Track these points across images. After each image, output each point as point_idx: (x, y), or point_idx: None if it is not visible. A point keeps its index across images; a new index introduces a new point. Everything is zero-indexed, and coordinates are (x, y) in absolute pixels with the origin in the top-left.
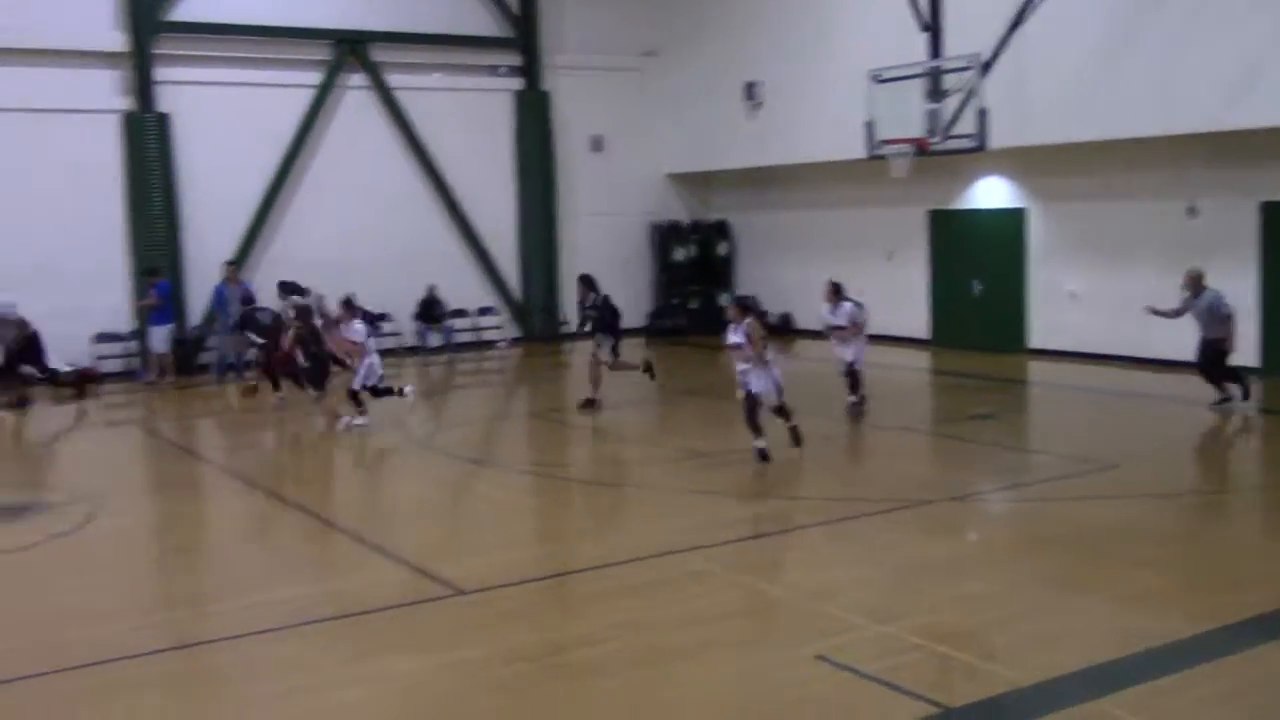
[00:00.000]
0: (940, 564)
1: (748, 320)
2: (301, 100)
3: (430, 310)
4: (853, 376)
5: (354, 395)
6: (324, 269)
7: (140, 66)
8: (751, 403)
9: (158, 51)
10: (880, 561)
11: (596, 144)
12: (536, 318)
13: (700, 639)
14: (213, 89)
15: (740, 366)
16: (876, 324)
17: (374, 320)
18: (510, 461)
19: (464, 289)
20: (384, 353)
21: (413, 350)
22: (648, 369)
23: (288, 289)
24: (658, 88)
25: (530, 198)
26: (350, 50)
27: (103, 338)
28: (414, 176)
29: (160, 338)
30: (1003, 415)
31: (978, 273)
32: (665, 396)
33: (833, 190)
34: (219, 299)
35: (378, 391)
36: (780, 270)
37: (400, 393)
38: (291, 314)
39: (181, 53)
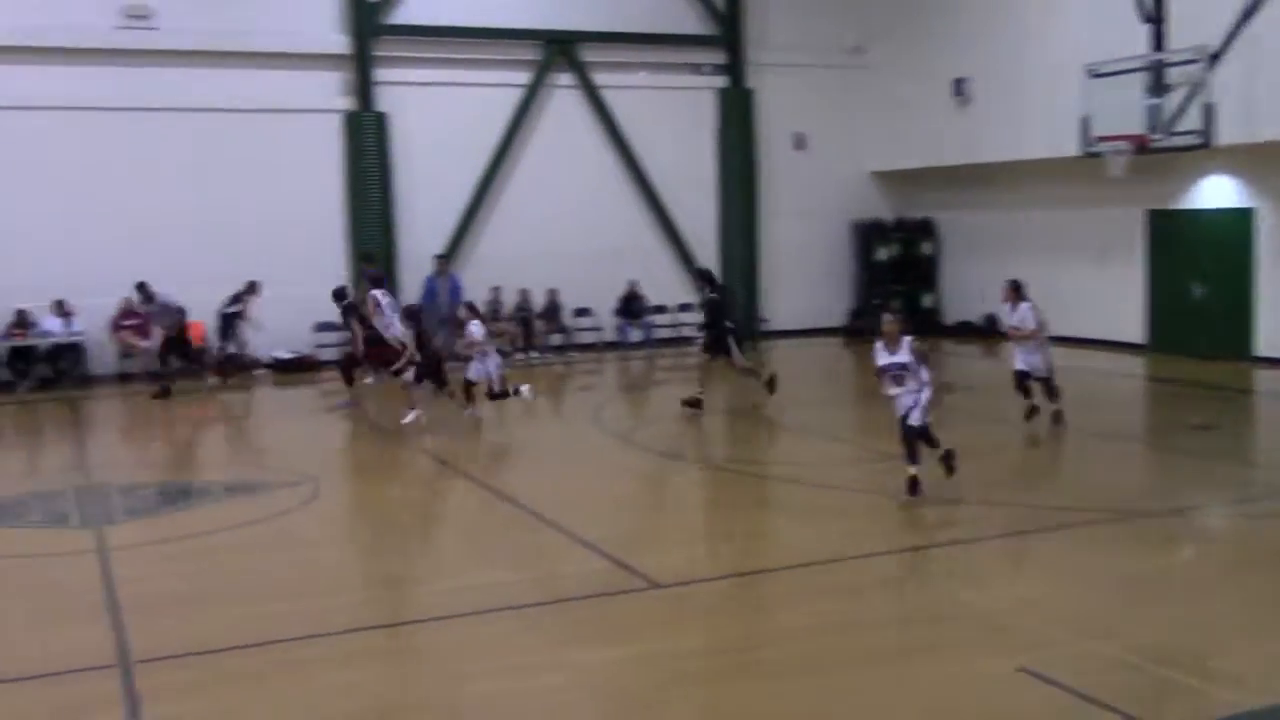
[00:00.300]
0: (1152, 579)
1: (909, 339)
2: (511, 99)
3: (631, 306)
4: (1024, 385)
5: (468, 387)
6: (528, 264)
7: (361, 68)
8: (911, 426)
9: (377, 54)
10: (1086, 574)
11: (799, 141)
12: (736, 315)
13: (896, 643)
14: (428, 89)
15: (892, 391)
16: (1087, 327)
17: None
18: (707, 457)
19: (664, 285)
20: (584, 347)
21: (612, 345)
22: (770, 384)
23: (376, 282)
24: (863, 84)
25: (731, 195)
26: (559, 50)
27: (321, 327)
28: (617, 174)
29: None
30: (1224, 426)
31: (1199, 275)
32: (863, 398)
33: (1044, 188)
34: (429, 291)
35: (494, 395)
36: (986, 270)
37: (516, 393)
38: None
39: (399, 54)
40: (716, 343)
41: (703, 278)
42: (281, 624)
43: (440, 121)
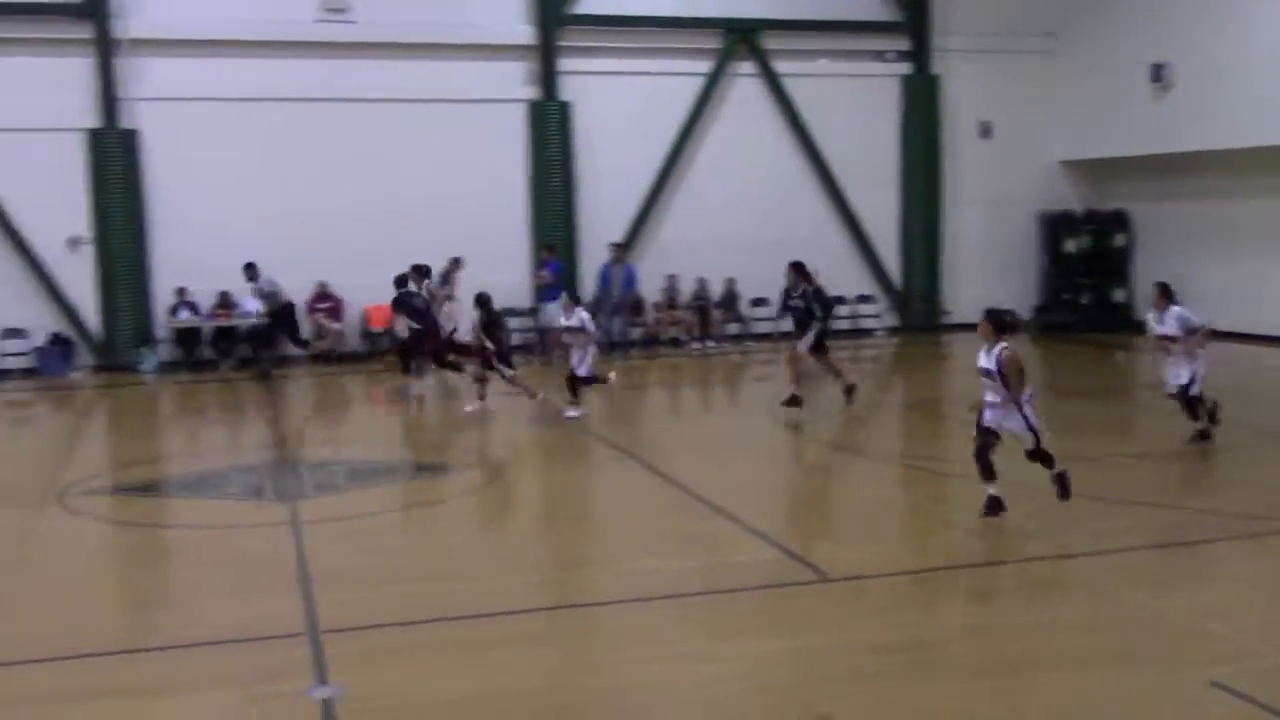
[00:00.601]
0: None
1: (1002, 345)
2: (692, 88)
3: None
4: (1188, 402)
5: (572, 382)
6: (706, 252)
7: (545, 58)
8: (985, 439)
9: (561, 44)
10: (1277, 584)
11: (985, 130)
12: (916, 307)
13: (1079, 650)
14: (610, 78)
15: (988, 398)
16: None
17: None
18: (883, 452)
19: (843, 276)
20: (760, 337)
21: (788, 335)
22: (849, 391)
23: (421, 272)
24: (1054, 70)
25: (914, 184)
26: (741, 38)
27: (504, 313)
28: (797, 163)
29: (552, 314)
30: None
31: None
32: (1052, 396)
33: (1251, 178)
34: (604, 279)
35: (586, 380)
36: (1186, 265)
37: (605, 380)
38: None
39: (583, 44)
40: (807, 337)
41: (797, 271)
42: (458, 601)
43: (621, 110)
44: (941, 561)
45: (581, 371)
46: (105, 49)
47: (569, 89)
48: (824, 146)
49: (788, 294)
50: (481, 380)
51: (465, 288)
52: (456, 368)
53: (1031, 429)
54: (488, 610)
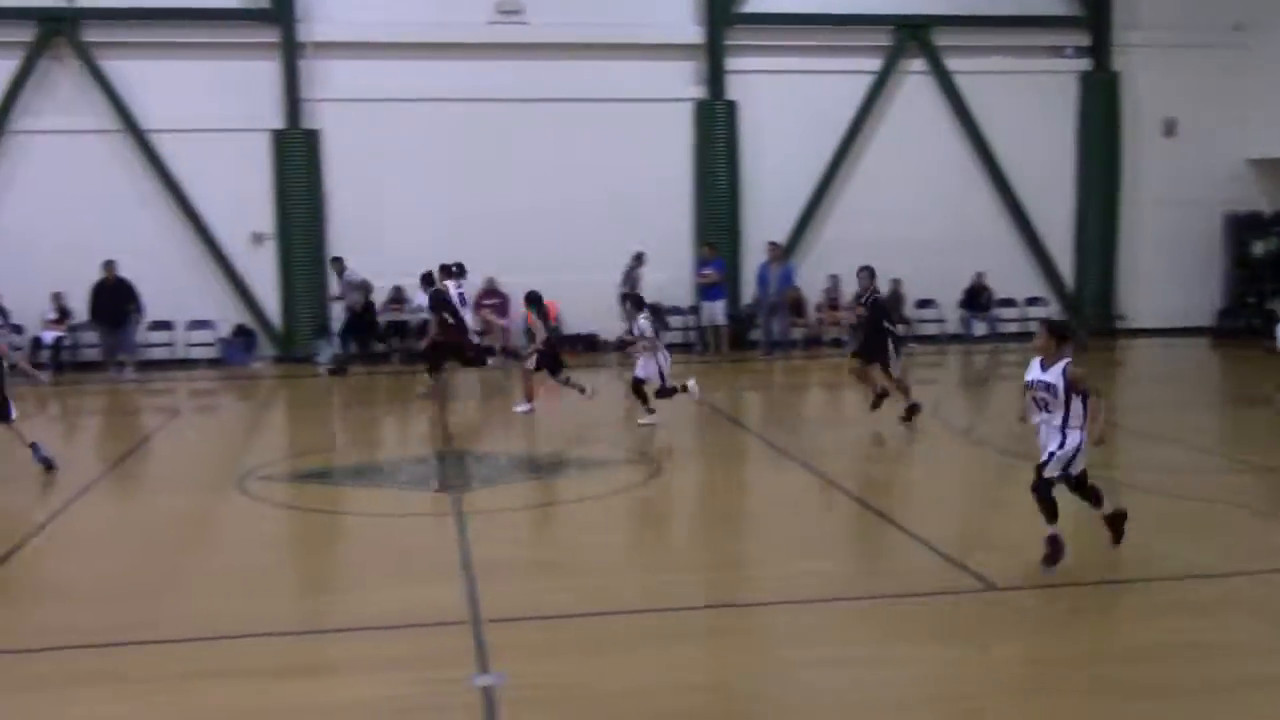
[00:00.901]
0: None
1: (1066, 360)
2: (860, 86)
3: (976, 298)
4: None
5: (637, 389)
6: (871, 253)
7: (713, 57)
8: (1046, 479)
9: (729, 43)
10: None
11: (1169, 127)
12: (1090, 310)
13: (1264, 674)
14: (777, 77)
15: (1038, 417)
16: None
17: (662, 316)
18: None
19: (1013, 277)
20: (926, 339)
21: (955, 338)
22: (911, 412)
23: (450, 271)
24: (1243, 65)
25: (1091, 184)
26: (911, 35)
27: (666, 312)
28: (968, 162)
29: (715, 312)
30: None
31: None
32: (1229, 404)
33: None
34: (761, 278)
35: (662, 392)
36: None
37: (684, 389)
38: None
39: (750, 43)
40: (873, 346)
41: (871, 274)
42: (619, 596)
43: (788, 109)
44: (1112, 574)
45: (639, 372)
46: (290, 52)
47: (736, 88)
48: (996, 145)
49: (859, 300)
50: (570, 384)
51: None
52: (480, 363)
53: (1072, 453)
54: (648, 606)
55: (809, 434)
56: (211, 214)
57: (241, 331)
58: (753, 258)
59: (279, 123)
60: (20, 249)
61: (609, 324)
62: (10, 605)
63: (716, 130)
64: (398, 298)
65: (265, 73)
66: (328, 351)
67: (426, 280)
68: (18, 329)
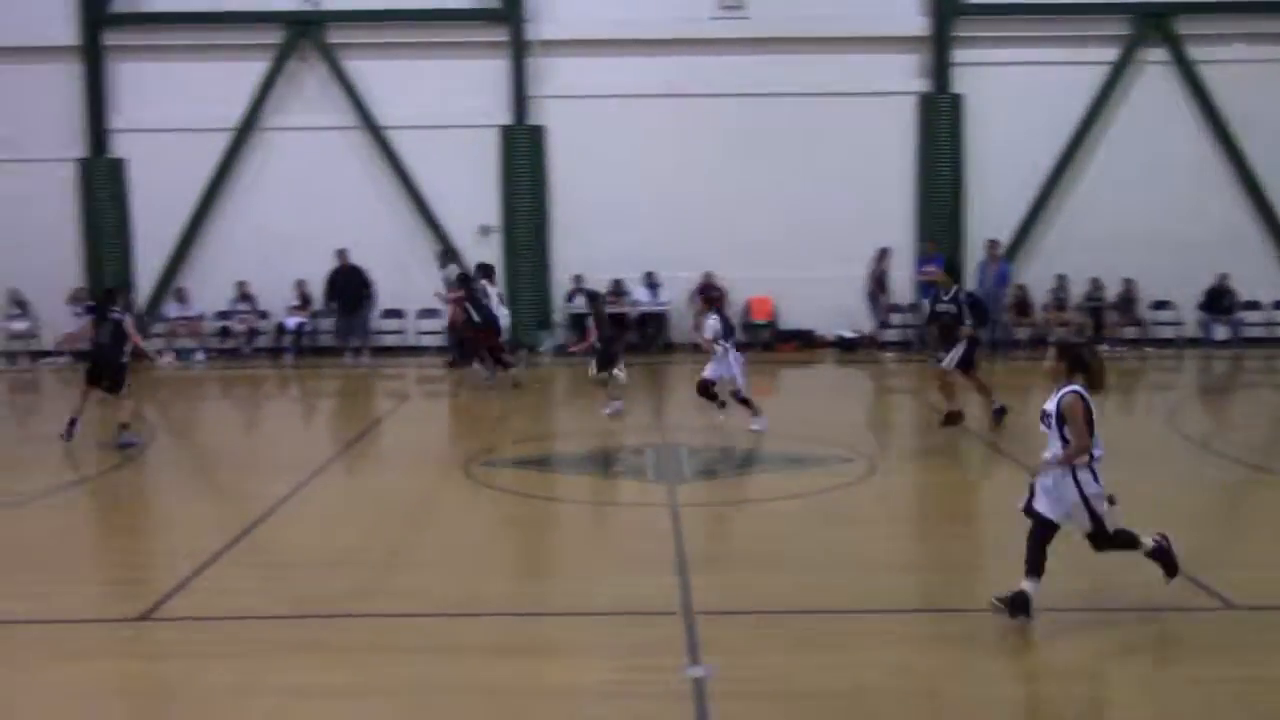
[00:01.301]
0: None
1: (1072, 387)
2: (1094, 78)
3: (1218, 300)
4: None
5: (743, 401)
6: (1102, 251)
7: (939, 49)
8: (1036, 524)
9: (956, 34)
10: None
11: None
12: None
13: None
14: (1005, 69)
15: (1046, 455)
16: None
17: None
18: None
19: (1260, 279)
20: (1161, 343)
21: (1194, 342)
22: (999, 415)
23: (486, 271)
24: None
25: None
26: (1152, 24)
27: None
28: (1210, 157)
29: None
30: None
31: None
32: None
33: None
34: (980, 277)
35: (742, 400)
36: None
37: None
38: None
39: (977, 34)
40: (955, 350)
41: (952, 272)
42: (832, 594)
43: (1016, 102)
44: None
45: (708, 374)
46: (519, 51)
47: (962, 80)
48: (1244, 140)
49: (937, 296)
50: (602, 383)
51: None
52: (506, 364)
53: (1088, 508)
54: (861, 606)
55: (1031, 437)
56: (441, 207)
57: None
58: (976, 255)
59: (506, 119)
60: (267, 239)
61: (825, 320)
62: (253, 572)
63: (940, 124)
64: (616, 291)
65: (494, 71)
66: (549, 342)
67: (463, 280)
68: (263, 315)
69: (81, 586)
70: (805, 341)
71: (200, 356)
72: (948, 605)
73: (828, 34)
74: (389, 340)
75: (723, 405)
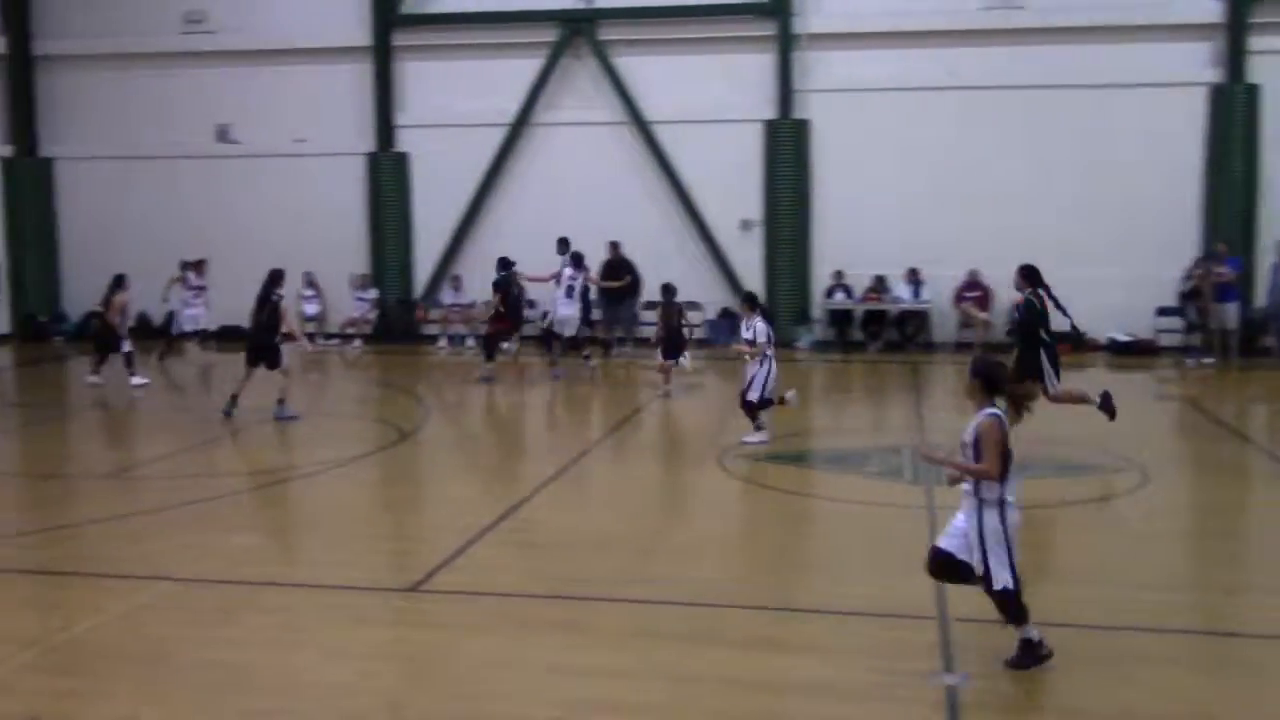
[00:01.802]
0: None
1: (986, 412)
2: None
3: None
4: None
5: (749, 408)
6: None
7: (1233, 36)
8: (936, 561)
9: (1253, 20)
10: None
11: None
12: None
13: None
14: None
15: (964, 486)
16: None
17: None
18: None
19: None
20: None
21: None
22: (1106, 406)
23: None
24: None
25: None
26: None
27: (1163, 311)
28: None
29: (1227, 315)
30: None
31: None
32: None
33: None
34: (1273, 282)
35: (762, 403)
36: None
37: (783, 401)
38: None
39: (1277, 20)
40: (1027, 361)
41: (1027, 277)
42: (1099, 609)
43: None
44: None
45: (752, 395)
46: (785, 44)
47: (1259, 70)
48: None
49: (1016, 305)
50: (665, 371)
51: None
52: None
53: (984, 555)
54: (1131, 623)
55: None
56: (704, 200)
57: (727, 314)
58: (1268, 258)
59: (771, 113)
60: (537, 232)
61: (1098, 323)
62: (515, 550)
63: (1234, 116)
64: (877, 287)
65: (760, 65)
66: (808, 338)
67: (504, 265)
68: (530, 303)
69: (360, 556)
70: (1076, 343)
71: (470, 343)
72: (1222, 628)
73: (1111, 22)
74: (649, 331)
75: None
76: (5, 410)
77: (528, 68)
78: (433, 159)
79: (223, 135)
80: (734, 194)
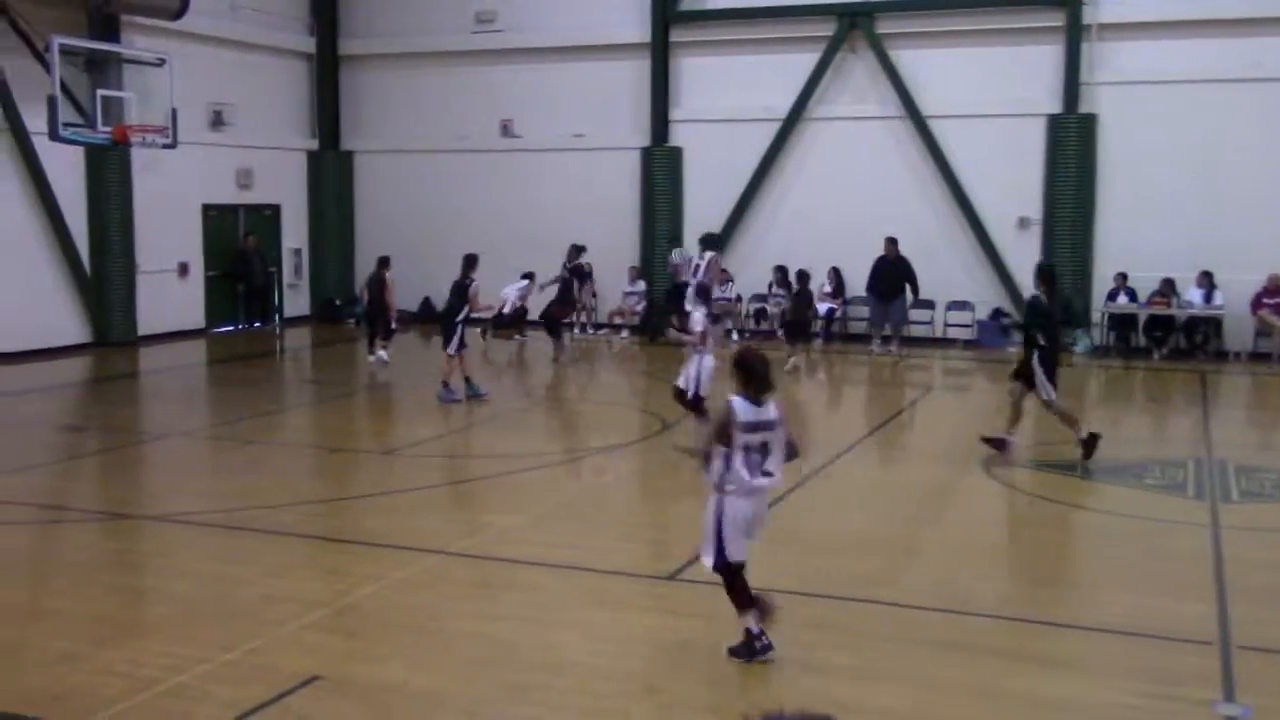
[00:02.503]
0: None
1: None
2: None
3: None
4: None
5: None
6: None
7: None
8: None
9: None
10: None
11: None
12: None
13: None
14: None
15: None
16: None
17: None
18: None
19: None
20: None
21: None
22: (1089, 444)
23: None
24: None
25: None
26: None
27: None
28: None
29: None
30: None
31: None
32: None
33: None
34: None
35: (693, 400)
36: None
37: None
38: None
39: None
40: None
41: (1044, 279)
42: None
43: None
44: None
45: (680, 382)
46: (1074, 35)
47: None
48: None
49: (1032, 306)
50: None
51: None
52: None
53: (717, 538)
54: None
55: None
56: (980, 198)
57: (998, 314)
58: None
59: (1055, 107)
60: (805, 226)
61: None
62: (767, 547)
63: None
64: (1165, 291)
65: (1045, 57)
66: (1084, 342)
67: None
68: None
69: (619, 542)
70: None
71: (734, 336)
72: None
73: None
74: (917, 330)
75: None
76: (302, 387)
77: (802, 62)
78: (704, 153)
79: (506, 130)
80: (1012, 191)
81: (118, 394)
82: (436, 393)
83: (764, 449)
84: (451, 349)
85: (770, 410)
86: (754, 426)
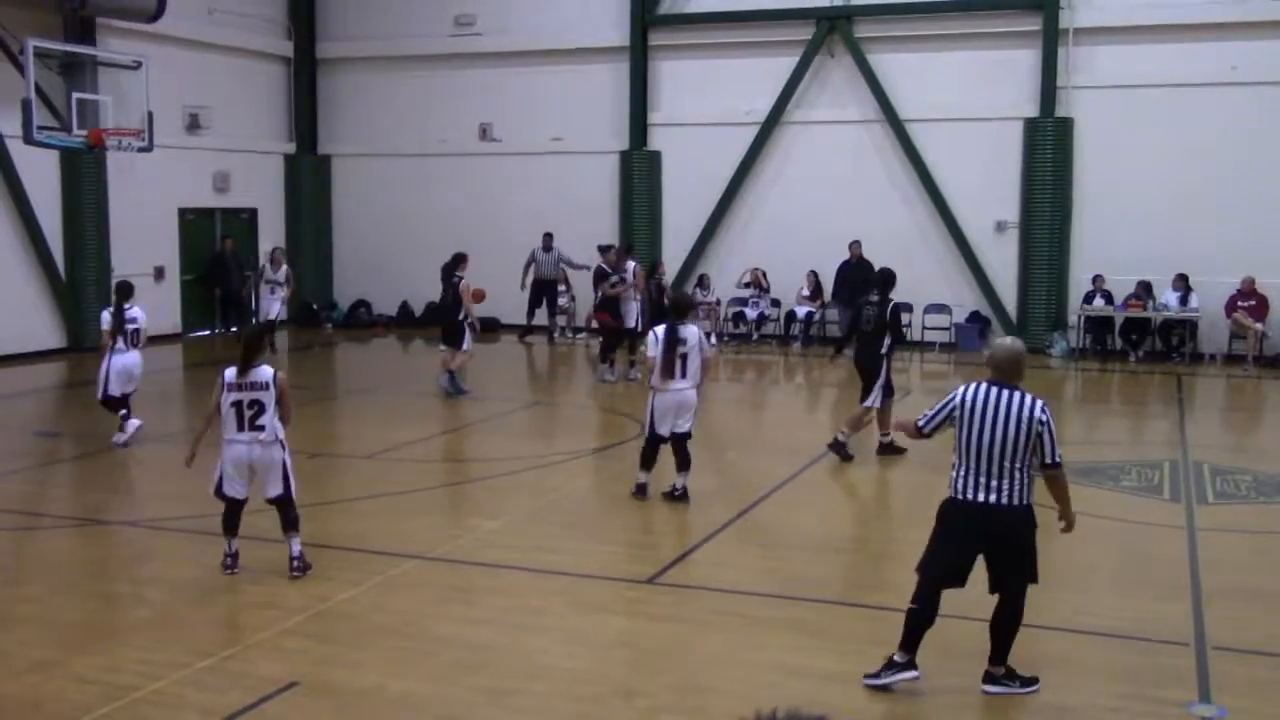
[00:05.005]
0: None
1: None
2: None
3: None
4: None
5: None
6: None
7: None
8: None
9: None
10: None
11: None
12: None
13: None
14: None
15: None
16: None
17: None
18: None
19: None
20: None
21: None
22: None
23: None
24: None
25: None
26: None
27: None
28: None
29: None
30: None
31: None
32: None
33: None
34: None
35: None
36: None
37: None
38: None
39: None
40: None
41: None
42: None
43: None
44: None
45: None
46: (1050, 40)
47: None
48: None
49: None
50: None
51: None
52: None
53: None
54: None
55: None
56: (957, 201)
57: (975, 318)
58: None
59: (1032, 111)
60: (782, 230)
61: None
62: (749, 549)
63: None
64: (1141, 294)
65: (1022, 61)
66: (1061, 345)
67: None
68: (775, 303)
69: (598, 546)
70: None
71: (712, 341)
72: None
73: None
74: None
75: None
76: None
77: (781, 66)
78: (682, 157)
79: (484, 134)
80: (989, 194)
81: (93, 399)
82: (444, 388)
83: (684, 360)
84: (466, 345)
85: (690, 331)
86: (674, 343)
